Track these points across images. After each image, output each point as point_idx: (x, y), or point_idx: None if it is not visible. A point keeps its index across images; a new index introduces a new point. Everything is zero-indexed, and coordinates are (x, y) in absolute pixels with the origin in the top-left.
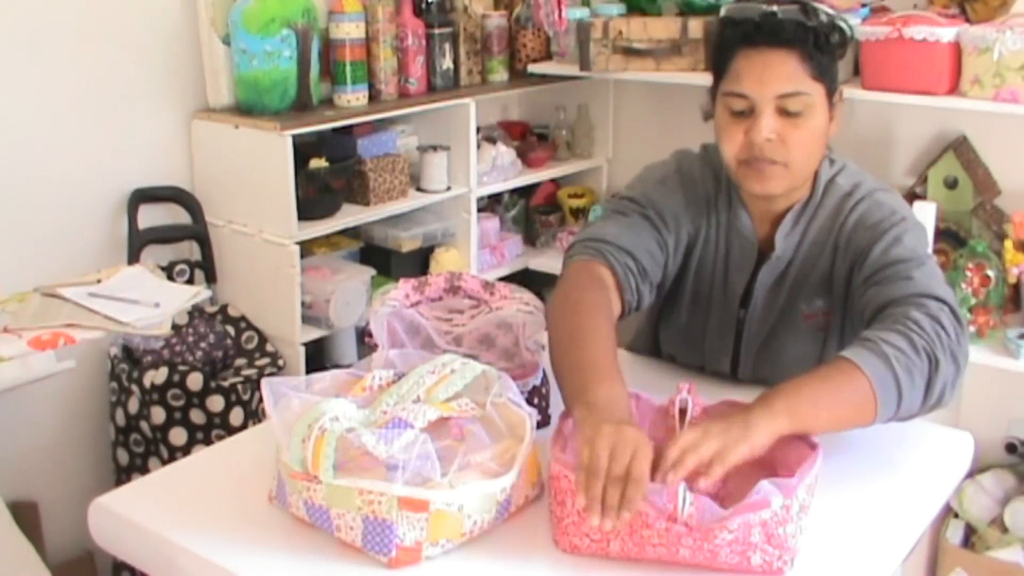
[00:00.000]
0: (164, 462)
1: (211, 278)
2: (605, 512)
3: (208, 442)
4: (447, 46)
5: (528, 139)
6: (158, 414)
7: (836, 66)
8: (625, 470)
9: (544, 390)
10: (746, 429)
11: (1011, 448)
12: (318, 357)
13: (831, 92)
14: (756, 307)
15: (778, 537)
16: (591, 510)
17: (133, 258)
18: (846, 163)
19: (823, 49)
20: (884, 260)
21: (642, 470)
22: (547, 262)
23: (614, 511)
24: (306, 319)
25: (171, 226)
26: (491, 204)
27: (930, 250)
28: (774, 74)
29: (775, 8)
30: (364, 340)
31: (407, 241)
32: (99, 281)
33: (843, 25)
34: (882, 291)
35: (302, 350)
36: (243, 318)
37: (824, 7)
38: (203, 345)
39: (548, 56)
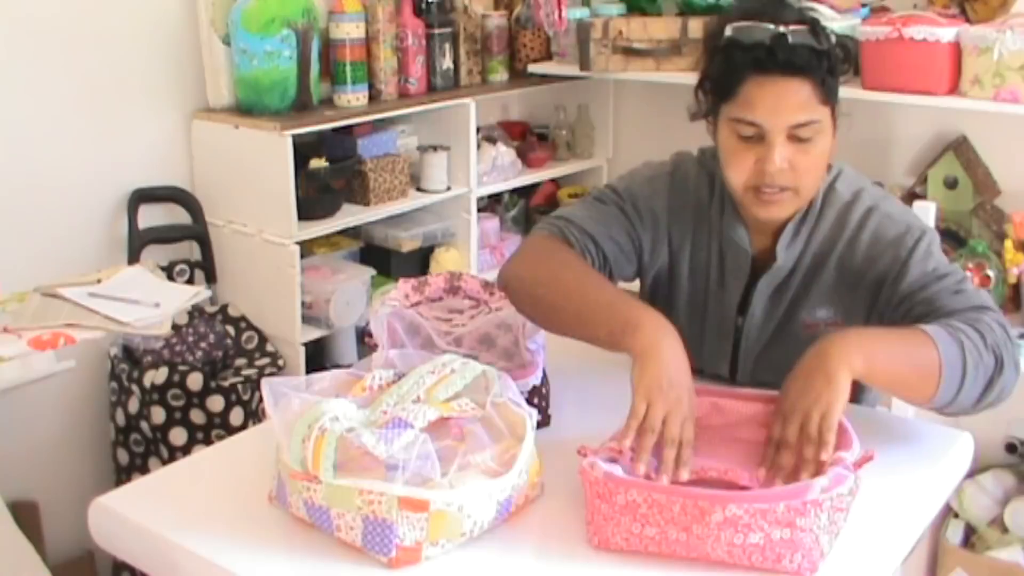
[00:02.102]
0: (164, 462)
1: (211, 278)
2: (662, 469)
3: (208, 442)
4: (447, 46)
5: (528, 139)
6: (158, 414)
7: (839, 85)
8: (679, 436)
9: (544, 390)
10: (829, 384)
11: (1011, 448)
12: (318, 357)
13: (835, 110)
14: (754, 315)
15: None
16: (639, 460)
17: (133, 258)
18: (842, 167)
19: (833, 73)
20: (925, 277)
21: (691, 436)
22: None
23: (671, 469)
24: (306, 319)
25: (171, 226)
26: (491, 204)
27: None
28: (788, 104)
29: (783, 29)
30: (364, 340)
31: (407, 241)
32: (99, 281)
33: (848, 43)
34: (937, 303)
35: (302, 350)
36: (243, 318)
37: (827, 9)
38: (203, 345)
39: (548, 56)
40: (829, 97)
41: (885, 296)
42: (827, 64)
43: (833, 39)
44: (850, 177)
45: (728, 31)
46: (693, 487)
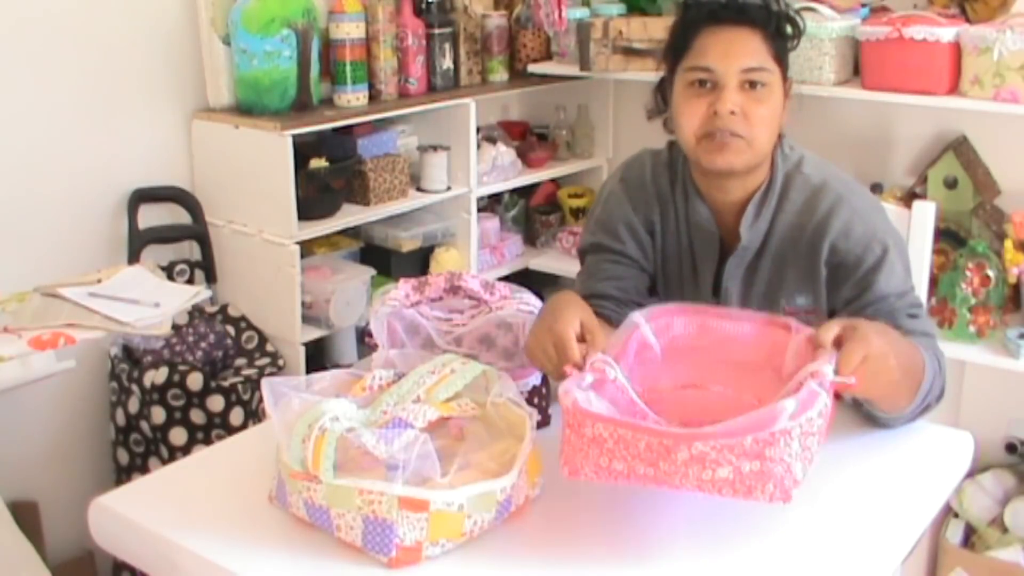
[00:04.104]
0: (164, 462)
1: (211, 278)
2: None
3: (208, 442)
4: (447, 46)
5: (528, 139)
6: (158, 414)
7: (788, 56)
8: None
9: (544, 390)
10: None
11: (1011, 448)
12: (318, 357)
13: (785, 78)
14: (729, 298)
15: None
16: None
17: (133, 258)
18: (804, 152)
19: (782, 34)
20: (889, 292)
21: (574, 358)
22: (547, 262)
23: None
24: (306, 319)
25: (171, 226)
26: (491, 204)
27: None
28: (739, 49)
29: None
30: (364, 340)
31: (407, 241)
32: (99, 281)
33: (798, 18)
34: (895, 321)
35: (302, 350)
36: (243, 318)
37: (827, 9)
38: (203, 345)
39: (548, 56)
40: (779, 55)
41: (845, 295)
42: (777, 23)
43: (784, 7)
44: (815, 162)
45: None
46: (682, 425)
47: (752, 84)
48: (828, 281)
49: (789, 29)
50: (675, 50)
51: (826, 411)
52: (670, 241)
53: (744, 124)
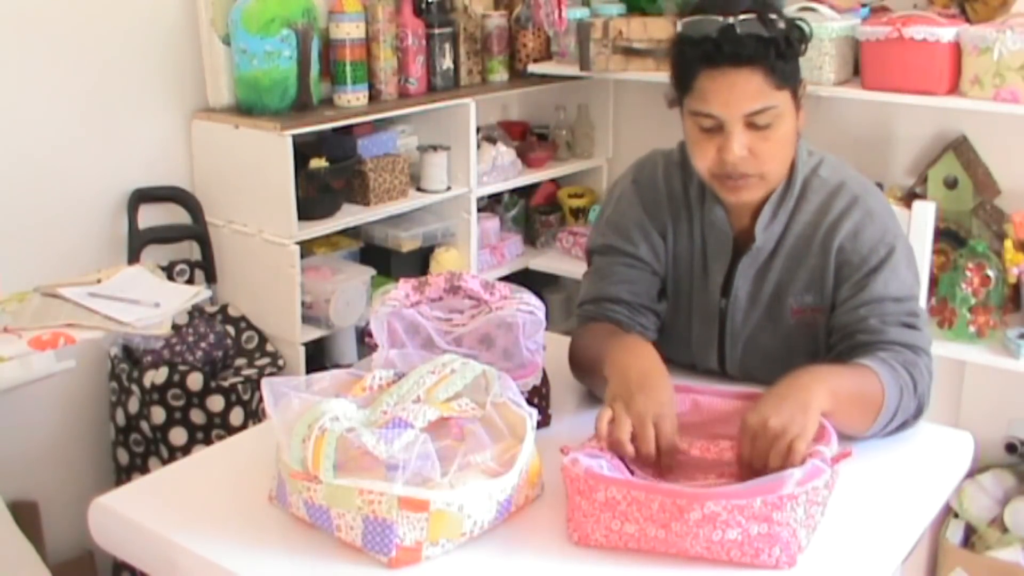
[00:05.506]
0: (164, 462)
1: (211, 278)
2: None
3: (208, 442)
4: (447, 46)
5: (528, 139)
6: (158, 414)
7: (798, 63)
8: (654, 445)
9: (544, 390)
10: (805, 412)
11: (1011, 448)
12: (318, 357)
13: (796, 91)
14: (738, 297)
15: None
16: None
17: (133, 258)
18: (824, 155)
19: (786, 57)
20: (885, 294)
21: (670, 442)
22: (547, 262)
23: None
24: (306, 319)
25: (171, 226)
26: (491, 204)
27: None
28: (740, 94)
29: (732, 20)
30: (364, 340)
31: (407, 241)
32: (99, 281)
33: (802, 24)
34: (884, 326)
35: (302, 350)
36: (243, 318)
37: (827, 9)
38: (203, 345)
39: (548, 56)
40: (785, 81)
41: (843, 294)
42: (776, 50)
43: (783, 24)
44: (833, 164)
45: (679, 26)
46: (675, 483)
47: (758, 124)
48: (834, 279)
49: (796, 35)
50: (678, 85)
51: (831, 484)
52: (682, 242)
53: (754, 163)
